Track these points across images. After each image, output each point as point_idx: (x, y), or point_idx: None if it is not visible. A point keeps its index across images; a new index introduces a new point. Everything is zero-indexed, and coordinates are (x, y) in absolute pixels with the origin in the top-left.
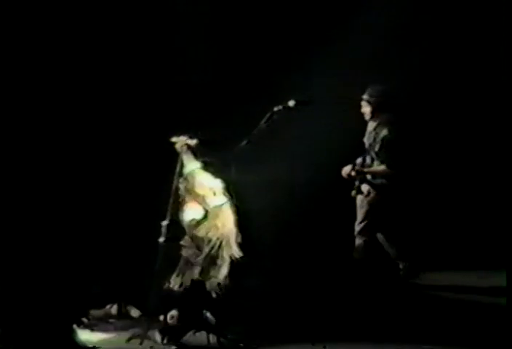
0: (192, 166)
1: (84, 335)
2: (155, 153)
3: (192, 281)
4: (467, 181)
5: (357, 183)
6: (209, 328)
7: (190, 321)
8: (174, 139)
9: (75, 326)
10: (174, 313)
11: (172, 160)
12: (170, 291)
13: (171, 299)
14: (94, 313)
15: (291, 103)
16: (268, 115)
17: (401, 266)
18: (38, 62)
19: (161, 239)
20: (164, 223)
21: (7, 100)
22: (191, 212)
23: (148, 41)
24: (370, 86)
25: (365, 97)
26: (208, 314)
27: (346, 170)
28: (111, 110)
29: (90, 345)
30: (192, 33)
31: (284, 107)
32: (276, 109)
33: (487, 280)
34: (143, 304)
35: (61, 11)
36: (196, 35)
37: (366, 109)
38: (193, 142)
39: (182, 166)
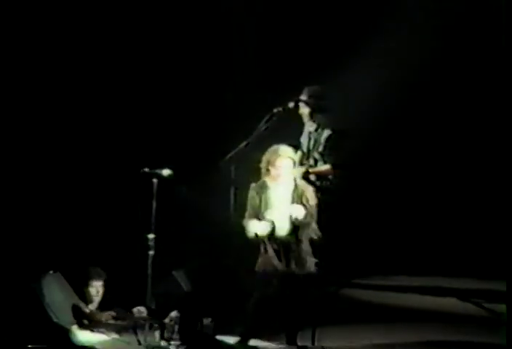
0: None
1: (84, 336)
2: None
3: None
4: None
5: None
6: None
7: (190, 324)
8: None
9: (75, 326)
10: (174, 314)
11: None
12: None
13: (172, 302)
14: (95, 314)
15: (291, 105)
16: (267, 116)
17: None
18: None
19: (151, 252)
20: (151, 236)
21: None
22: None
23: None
24: (307, 86)
25: (302, 98)
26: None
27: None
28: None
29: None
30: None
31: (283, 109)
32: (275, 110)
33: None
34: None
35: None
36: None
37: (304, 110)
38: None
39: None
